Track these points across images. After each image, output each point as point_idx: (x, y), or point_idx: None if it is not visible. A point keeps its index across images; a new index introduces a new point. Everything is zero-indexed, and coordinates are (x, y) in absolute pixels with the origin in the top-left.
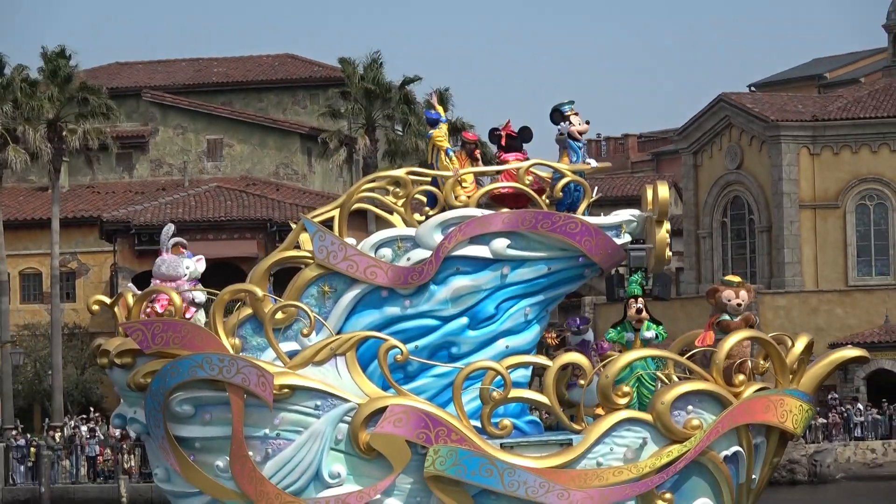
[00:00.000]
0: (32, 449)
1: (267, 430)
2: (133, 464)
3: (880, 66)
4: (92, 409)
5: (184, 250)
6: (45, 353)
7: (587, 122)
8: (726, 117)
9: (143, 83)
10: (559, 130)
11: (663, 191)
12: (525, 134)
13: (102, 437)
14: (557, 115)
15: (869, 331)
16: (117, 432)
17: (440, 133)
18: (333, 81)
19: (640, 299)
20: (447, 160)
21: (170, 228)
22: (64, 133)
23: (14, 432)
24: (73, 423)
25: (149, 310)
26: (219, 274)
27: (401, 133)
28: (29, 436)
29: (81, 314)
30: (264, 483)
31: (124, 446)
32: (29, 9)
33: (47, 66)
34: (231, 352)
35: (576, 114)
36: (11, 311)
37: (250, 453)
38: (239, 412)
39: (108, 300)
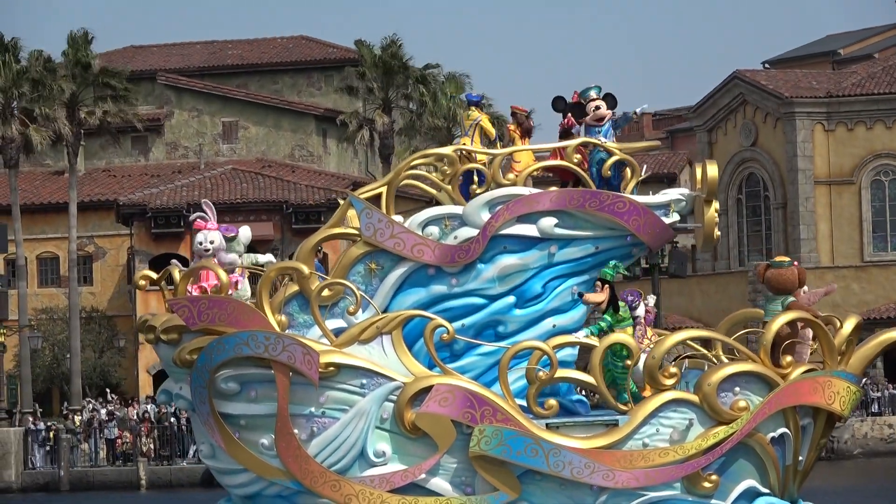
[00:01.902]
0: (51, 433)
1: (312, 408)
2: (152, 446)
3: (894, 42)
4: (109, 391)
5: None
6: (63, 337)
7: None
8: (741, 94)
9: (158, 66)
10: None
11: (712, 170)
12: (609, 100)
13: (121, 419)
14: (578, 108)
15: (885, 306)
16: (135, 414)
17: (477, 114)
18: (348, 63)
19: (596, 284)
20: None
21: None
22: (83, 115)
23: (33, 416)
24: (91, 406)
25: (194, 287)
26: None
27: (413, 110)
28: (48, 420)
29: (99, 298)
30: (309, 461)
31: (143, 429)
32: None
33: (71, 50)
34: (277, 329)
35: (595, 99)
36: (29, 295)
37: (295, 431)
38: (284, 390)
39: (154, 275)
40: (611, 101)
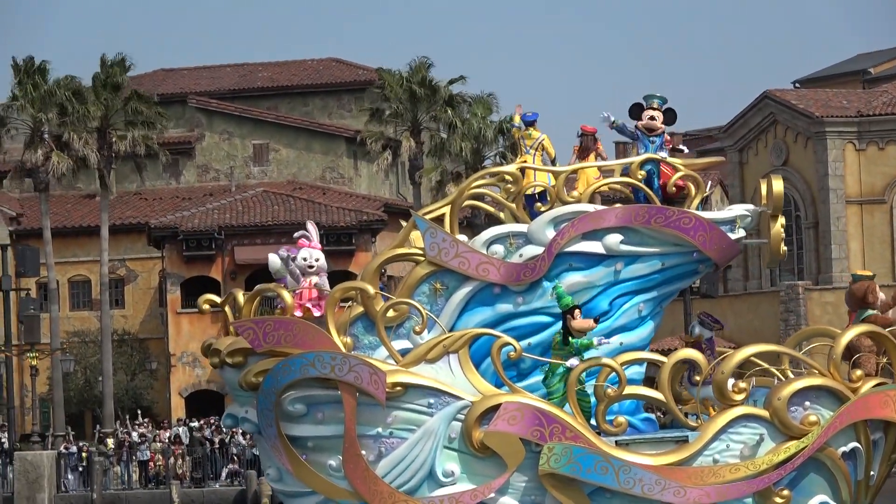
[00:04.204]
0: (84, 455)
1: (380, 429)
2: (185, 469)
3: None
4: (140, 414)
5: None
6: (95, 360)
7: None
8: (771, 114)
9: (188, 89)
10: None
11: (778, 185)
12: (668, 115)
13: (152, 441)
14: (636, 109)
15: None
16: (167, 437)
17: (538, 133)
18: (378, 86)
19: (576, 311)
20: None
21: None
22: (113, 140)
23: (65, 439)
24: (123, 429)
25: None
26: (267, 278)
27: (440, 132)
28: (80, 442)
29: (130, 320)
30: (377, 482)
31: (176, 451)
32: (75, 16)
33: (104, 73)
34: (343, 350)
35: (655, 109)
36: (61, 318)
37: (363, 452)
38: (351, 411)
39: (218, 299)
40: (669, 116)
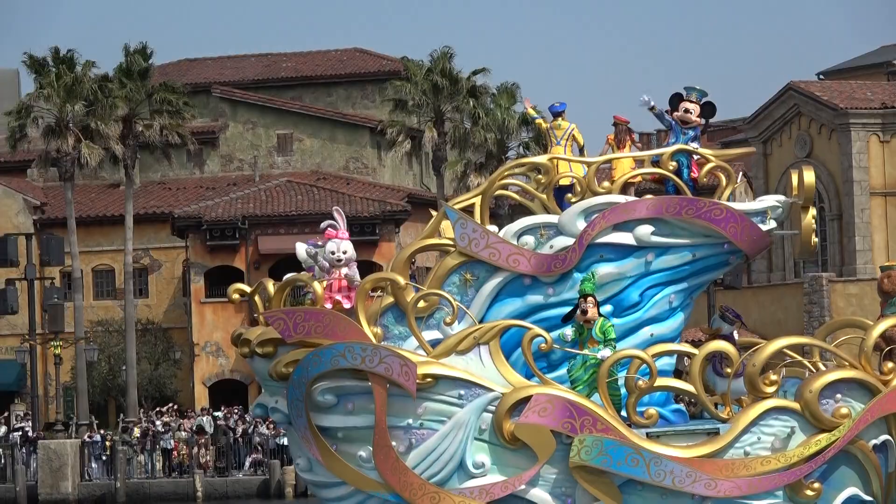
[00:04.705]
0: (108, 444)
1: (410, 420)
2: (209, 458)
3: None
4: (164, 403)
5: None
6: (119, 349)
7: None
8: (795, 106)
9: (212, 79)
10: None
11: (809, 176)
12: (706, 109)
13: (176, 430)
14: (675, 99)
15: None
16: (191, 425)
17: (567, 123)
18: (402, 75)
19: (590, 298)
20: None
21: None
22: (140, 129)
23: (89, 428)
24: (147, 418)
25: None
26: (290, 268)
27: (462, 122)
28: (104, 431)
29: (154, 310)
30: (408, 473)
31: (200, 441)
32: (98, 6)
33: (127, 62)
34: (373, 341)
35: (693, 102)
36: (85, 307)
37: (393, 443)
38: (382, 402)
39: (247, 289)
40: (707, 110)
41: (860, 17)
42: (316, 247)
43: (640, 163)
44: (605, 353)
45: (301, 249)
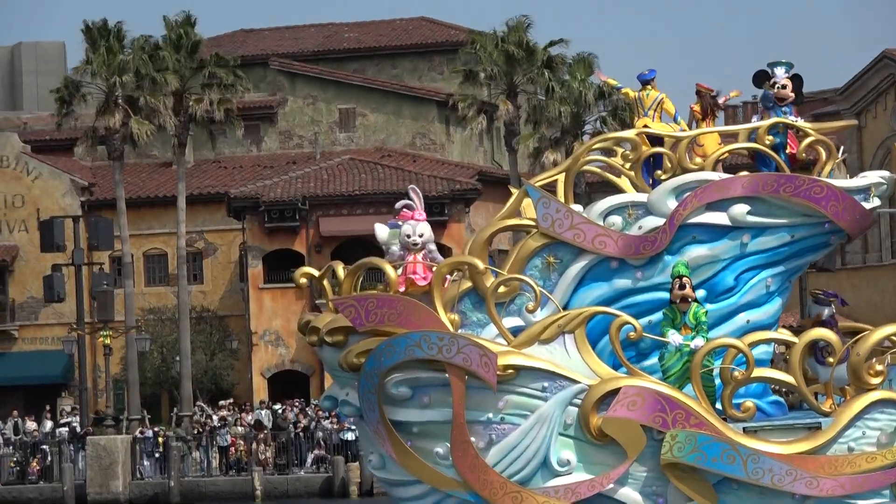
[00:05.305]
0: (160, 440)
1: (490, 414)
2: (268, 455)
3: None
4: (221, 396)
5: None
6: (173, 339)
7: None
8: (891, 75)
9: (270, 51)
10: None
11: None
12: (796, 81)
13: (233, 425)
14: (762, 76)
15: None
16: (250, 418)
17: (656, 92)
18: (470, 46)
19: (685, 279)
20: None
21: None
22: (190, 104)
23: (141, 423)
24: (202, 412)
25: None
26: (354, 251)
27: (543, 98)
28: (157, 427)
29: (209, 297)
30: (488, 471)
31: (259, 436)
32: None
33: (170, 35)
34: (450, 329)
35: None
36: (136, 294)
37: (472, 439)
38: (460, 395)
39: (315, 272)
40: (796, 83)
41: None
42: (395, 226)
43: (730, 138)
44: (698, 342)
45: (381, 231)
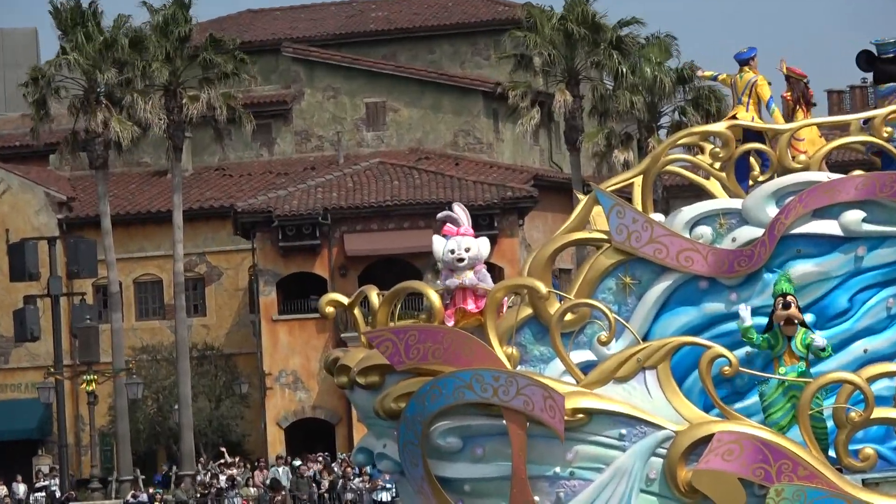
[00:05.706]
0: None
1: (557, 468)
2: None
3: None
4: (229, 451)
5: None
6: (170, 383)
7: None
8: None
9: (282, 35)
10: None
11: None
12: None
13: (244, 486)
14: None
15: None
16: (264, 477)
17: (752, 74)
18: (524, 24)
19: (789, 297)
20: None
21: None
22: (183, 101)
23: (133, 485)
24: (207, 470)
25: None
26: (384, 274)
27: (610, 86)
28: (152, 489)
29: (213, 331)
30: None
31: (275, 498)
32: None
33: (154, 18)
34: (508, 366)
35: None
36: (125, 330)
37: (536, 498)
38: (521, 445)
39: (345, 300)
40: None
41: None
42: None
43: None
44: (819, 341)
45: (439, 244)
